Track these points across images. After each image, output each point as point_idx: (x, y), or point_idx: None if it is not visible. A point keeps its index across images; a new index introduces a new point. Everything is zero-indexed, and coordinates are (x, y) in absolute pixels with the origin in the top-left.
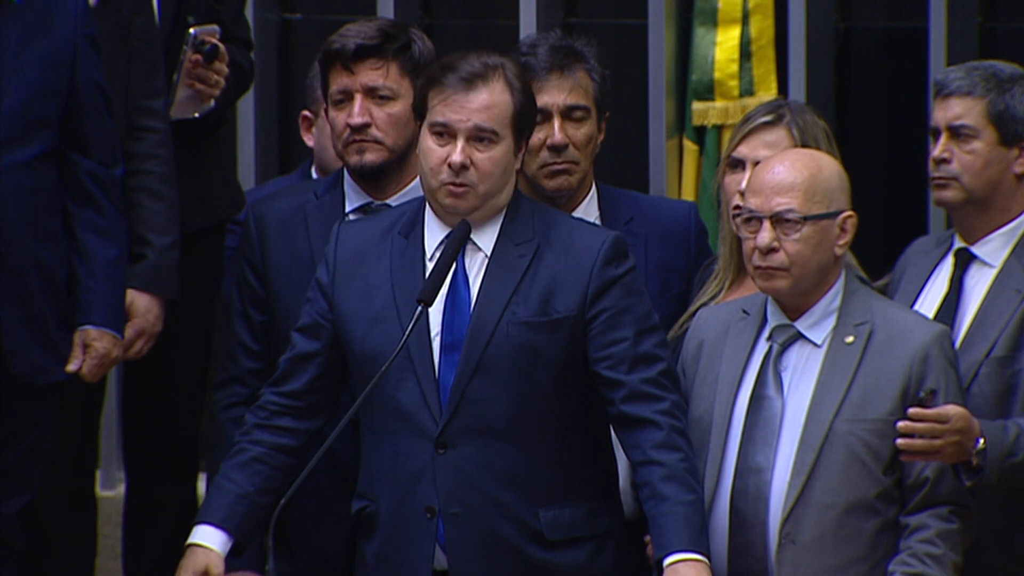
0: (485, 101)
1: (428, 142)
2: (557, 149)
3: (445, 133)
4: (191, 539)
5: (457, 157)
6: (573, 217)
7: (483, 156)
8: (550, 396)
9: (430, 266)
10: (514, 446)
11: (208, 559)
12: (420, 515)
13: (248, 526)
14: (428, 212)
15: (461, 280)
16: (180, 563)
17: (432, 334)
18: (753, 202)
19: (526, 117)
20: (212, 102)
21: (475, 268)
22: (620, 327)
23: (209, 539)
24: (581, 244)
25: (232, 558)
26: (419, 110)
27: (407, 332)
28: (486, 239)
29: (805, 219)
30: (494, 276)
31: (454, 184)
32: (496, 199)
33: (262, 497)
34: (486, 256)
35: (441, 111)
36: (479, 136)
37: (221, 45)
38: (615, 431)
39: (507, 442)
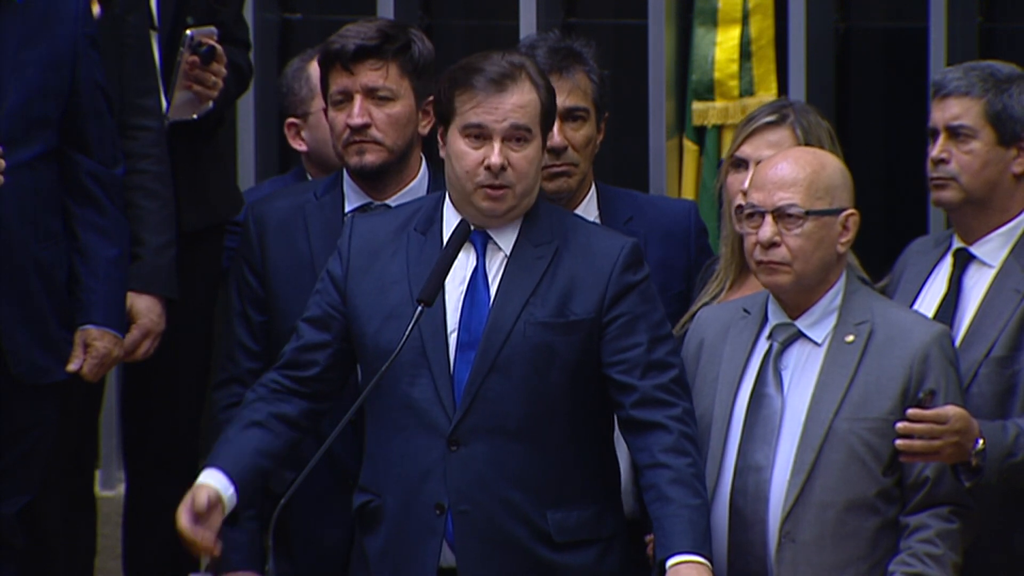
0: (518, 100)
1: (461, 145)
2: (556, 151)
3: (480, 135)
4: (198, 481)
5: (496, 158)
6: (591, 221)
7: (519, 156)
8: (563, 397)
9: None
10: (525, 446)
11: (208, 494)
12: (429, 512)
13: (250, 480)
14: (447, 210)
15: (481, 279)
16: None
17: (448, 332)
18: (755, 197)
19: (550, 115)
20: (210, 103)
21: (495, 268)
22: (635, 333)
23: (213, 479)
24: (600, 248)
25: (227, 525)
26: (444, 115)
27: (407, 331)
28: (506, 240)
29: (807, 214)
30: (513, 276)
31: (492, 187)
32: (528, 199)
33: (263, 459)
34: (506, 256)
35: (474, 113)
36: (515, 136)
37: (218, 46)
38: (624, 435)
39: (519, 442)
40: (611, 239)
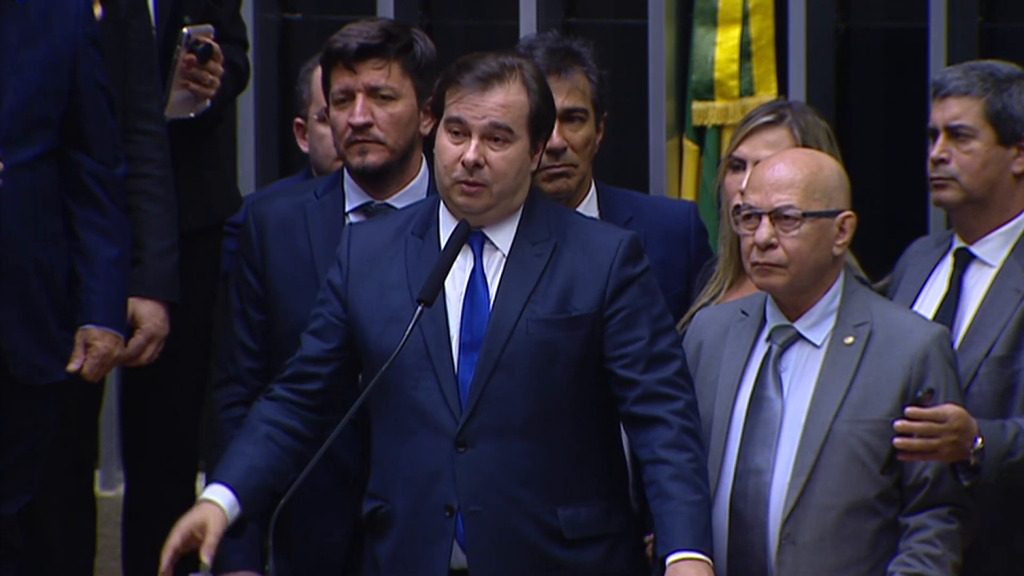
0: (500, 100)
1: (443, 140)
2: (555, 152)
3: (460, 131)
4: (201, 496)
5: (471, 155)
6: (589, 217)
7: (497, 155)
8: (568, 394)
9: None
10: (533, 444)
11: (207, 513)
12: (439, 514)
13: (256, 499)
14: (443, 211)
15: (480, 280)
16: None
17: (451, 334)
18: (753, 198)
19: (543, 118)
20: (208, 102)
21: (493, 268)
22: (636, 326)
23: (217, 495)
24: (599, 243)
25: (229, 536)
26: (436, 109)
27: (407, 332)
28: (503, 239)
29: (804, 216)
30: (512, 275)
31: (467, 183)
32: (511, 200)
33: (271, 476)
34: (504, 256)
35: (456, 108)
36: (494, 135)
37: (215, 44)
38: (625, 430)
39: (526, 440)
40: (609, 233)
